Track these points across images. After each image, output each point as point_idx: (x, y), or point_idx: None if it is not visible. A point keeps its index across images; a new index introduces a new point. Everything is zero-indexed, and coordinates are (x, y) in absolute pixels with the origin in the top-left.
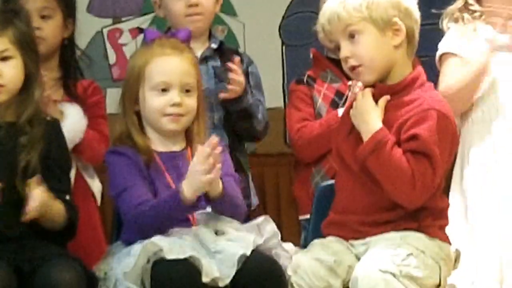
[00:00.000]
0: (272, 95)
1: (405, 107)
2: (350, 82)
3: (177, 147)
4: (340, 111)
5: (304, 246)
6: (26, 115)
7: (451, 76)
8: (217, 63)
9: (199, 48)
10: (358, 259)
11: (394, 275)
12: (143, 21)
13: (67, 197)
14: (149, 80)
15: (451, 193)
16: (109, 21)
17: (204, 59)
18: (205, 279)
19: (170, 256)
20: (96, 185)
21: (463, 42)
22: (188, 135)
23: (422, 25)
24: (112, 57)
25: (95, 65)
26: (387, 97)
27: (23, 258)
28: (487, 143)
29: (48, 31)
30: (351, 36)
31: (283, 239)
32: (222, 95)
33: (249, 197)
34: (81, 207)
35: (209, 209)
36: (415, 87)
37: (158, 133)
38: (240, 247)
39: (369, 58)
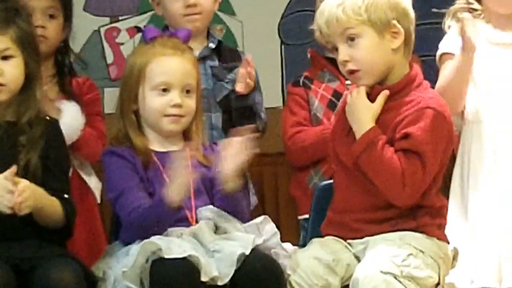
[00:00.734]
0: (270, 95)
1: (403, 107)
2: (348, 82)
3: (175, 147)
4: None
5: (303, 245)
6: (28, 115)
7: (443, 75)
8: (215, 62)
9: (197, 48)
10: (357, 257)
11: (395, 276)
12: (141, 20)
13: (66, 196)
14: (150, 80)
15: (451, 193)
16: (106, 20)
17: (202, 59)
18: (204, 278)
19: (169, 255)
20: (94, 183)
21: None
22: (186, 135)
23: (422, 24)
24: (109, 57)
25: (92, 64)
26: (386, 91)
27: (22, 258)
28: (487, 143)
29: (52, 30)
30: (350, 39)
31: (282, 238)
32: (238, 88)
33: (248, 196)
34: (79, 206)
35: (210, 206)
36: (413, 87)
37: (157, 133)
38: (239, 247)
39: (368, 62)
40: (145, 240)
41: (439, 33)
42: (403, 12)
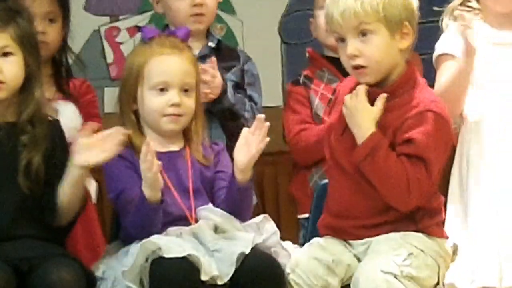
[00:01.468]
0: (271, 94)
1: (401, 109)
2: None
3: (175, 147)
4: None
5: (303, 244)
6: (27, 114)
7: (441, 78)
8: None
9: (197, 47)
10: (357, 258)
11: (395, 276)
12: (141, 20)
13: None
14: (148, 80)
15: (450, 193)
16: (106, 19)
17: (202, 58)
18: (204, 277)
19: (168, 254)
20: (90, 184)
21: (459, 42)
22: (186, 135)
23: (423, 22)
24: (109, 56)
25: (92, 64)
26: (384, 94)
27: (21, 257)
28: (486, 142)
29: (52, 35)
30: (362, 34)
31: (282, 237)
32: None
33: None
34: None
35: (210, 205)
36: (410, 86)
37: (157, 133)
38: (239, 246)
39: (376, 60)
40: (145, 240)
41: (440, 32)
42: (413, 13)
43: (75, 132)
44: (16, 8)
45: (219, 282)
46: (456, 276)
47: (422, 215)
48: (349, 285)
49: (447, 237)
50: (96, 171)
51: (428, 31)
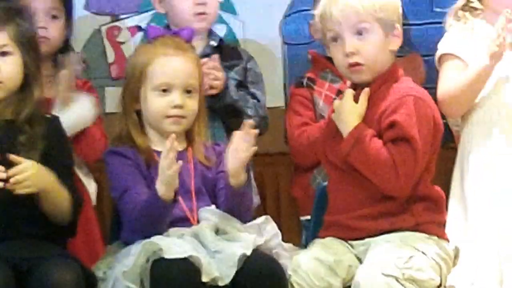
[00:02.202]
0: (272, 95)
1: (384, 100)
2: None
3: (178, 147)
4: None
5: (305, 246)
6: (25, 113)
7: (450, 80)
8: None
9: (199, 46)
10: (358, 258)
11: (396, 278)
12: (142, 19)
13: (76, 191)
14: (151, 80)
15: (451, 194)
16: (107, 19)
17: (204, 57)
18: (205, 278)
19: (169, 255)
20: (90, 185)
21: (463, 43)
22: (189, 135)
23: (425, 24)
24: (110, 56)
25: (93, 63)
26: (366, 89)
27: (21, 257)
28: (487, 144)
29: (54, 31)
30: (359, 33)
31: (284, 239)
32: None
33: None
34: None
35: (213, 206)
36: (392, 82)
37: (159, 133)
38: (240, 247)
39: (373, 58)
40: (146, 240)
41: (442, 33)
42: (400, 17)
43: (86, 123)
44: (16, 7)
45: (220, 284)
46: (456, 278)
47: (421, 208)
48: (350, 286)
49: (448, 240)
50: (96, 171)
51: (430, 32)
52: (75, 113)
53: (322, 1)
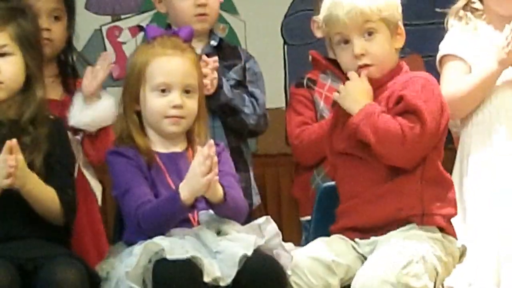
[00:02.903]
0: (273, 95)
1: (390, 88)
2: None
3: (178, 148)
4: None
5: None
6: (28, 114)
7: (453, 82)
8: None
9: (199, 46)
10: (364, 258)
11: (391, 284)
12: (143, 19)
13: (70, 192)
14: (150, 81)
15: None
16: (108, 18)
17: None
18: (206, 279)
19: (171, 256)
20: (96, 186)
21: (465, 43)
22: (189, 136)
23: (426, 24)
24: (111, 56)
25: (94, 63)
26: (365, 71)
27: (26, 257)
28: (487, 144)
29: (57, 32)
30: (368, 33)
31: (284, 239)
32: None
33: (251, 196)
34: (83, 206)
35: (210, 211)
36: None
37: (159, 134)
38: (241, 247)
39: (381, 58)
40: (148, 241)
41: (443, 33)
42: (400, 16)
43: (105, 122)
44: (18, 7)
45: (222, 284)
46: (454, 278)
47: (429, 196)
48: (349, 285)
49: (456, 237)
50: (100, 172)
51: (431, 32)
52: (99, 110)
53: (325, 4)
